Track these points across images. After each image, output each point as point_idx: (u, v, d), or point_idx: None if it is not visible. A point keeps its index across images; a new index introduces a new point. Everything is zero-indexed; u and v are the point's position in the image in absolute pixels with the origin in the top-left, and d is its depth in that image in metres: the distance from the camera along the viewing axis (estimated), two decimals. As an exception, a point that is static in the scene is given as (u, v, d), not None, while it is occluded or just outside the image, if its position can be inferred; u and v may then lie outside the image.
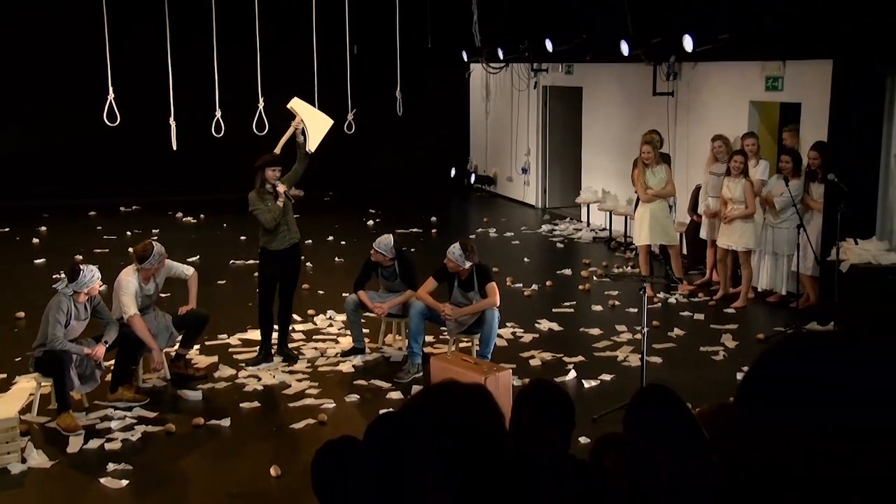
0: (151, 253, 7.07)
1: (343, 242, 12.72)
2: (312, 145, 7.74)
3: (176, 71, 8.95)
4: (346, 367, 7.76)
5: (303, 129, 7.68)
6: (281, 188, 7.53)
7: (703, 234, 10.32)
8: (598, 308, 9.53)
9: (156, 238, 12.35)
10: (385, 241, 7.87)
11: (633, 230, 10.85)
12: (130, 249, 7.26)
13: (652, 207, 9.76)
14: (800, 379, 1.05)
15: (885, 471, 0.99)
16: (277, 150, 7.68)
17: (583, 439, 5.69)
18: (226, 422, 6.59)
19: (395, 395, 7.11)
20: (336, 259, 11.75)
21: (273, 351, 7.87)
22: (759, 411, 1.07)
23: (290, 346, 8.09)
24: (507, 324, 8.65)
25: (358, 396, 7.13)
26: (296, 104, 7.80)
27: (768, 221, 9.35)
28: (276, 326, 7.88)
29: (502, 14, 13.56)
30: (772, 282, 9.53)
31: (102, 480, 5.66)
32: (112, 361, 7.03)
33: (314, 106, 8.22)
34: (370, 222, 14.24)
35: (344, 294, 8.68)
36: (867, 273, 8.03)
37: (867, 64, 8.37)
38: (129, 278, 7.06)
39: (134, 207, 15.33)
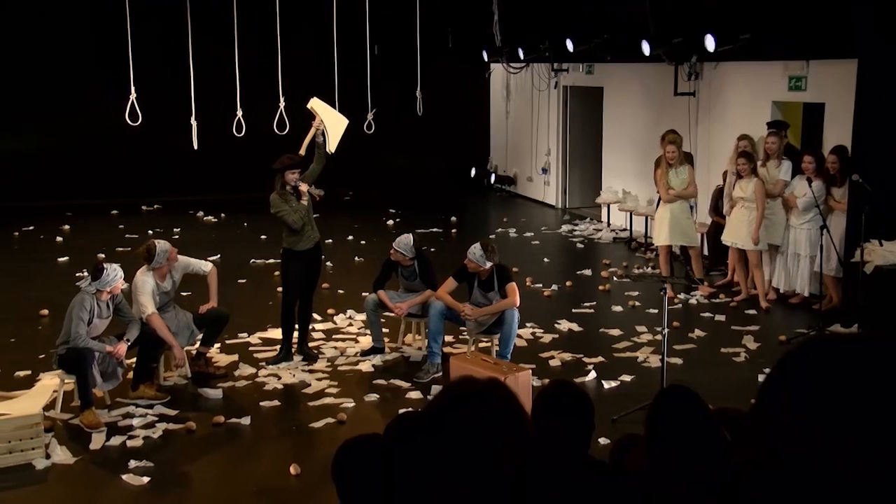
0: (155, 252, 7.12)
1: (363, 242, 12.75)
2: (332, 146, 7.76)
3: (197, 71, 9.00)
4: (365, 366, 7.78)
5: (322, 129, 7.70)
6: (303, 187, 7.55)
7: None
8: (619, 309, 9.49)
9: (176, 236, 12.49)
10: (405, 241, 7.88)
11: (653, 230, 10.82)
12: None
13: (672, 208, 9.73)
14: (822, 381, 1.05)
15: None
16: (302, 151, 7.70)
17: (602, 440, 5.68)
18: (246, 420, 6.63)
19: (415, 394, 7.11)
20: (356, 258, 11.78)
21: (293, 350, 7.91)
22: (781, 413, 1.06)
23: (310, 345, 8.11)
24: (527, 324, 8.63)
25: (377, 396, 7.14)
26: (315, 104, 7.82)
27: (791, 222, 9.29)
28: (296, 325, 7.92)
29: (523, 14, 13.54)
30: (794, 283, 9.45)
31: (124, 477, 5.71)
32: (134, 359, 7.09)
33: (335, 107, 8.24)
34: (390, 222, 14.27)
35: (364, 293, 8.70)
36: (891, 274, 7.95)
37: (893, 63, 8.28)
38: (144, 278, 7.11)
39: (155, 206, 15.45)
